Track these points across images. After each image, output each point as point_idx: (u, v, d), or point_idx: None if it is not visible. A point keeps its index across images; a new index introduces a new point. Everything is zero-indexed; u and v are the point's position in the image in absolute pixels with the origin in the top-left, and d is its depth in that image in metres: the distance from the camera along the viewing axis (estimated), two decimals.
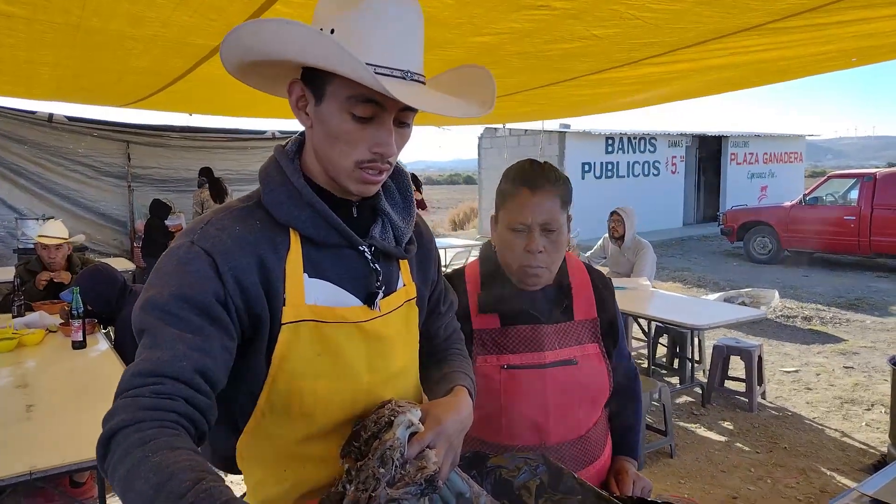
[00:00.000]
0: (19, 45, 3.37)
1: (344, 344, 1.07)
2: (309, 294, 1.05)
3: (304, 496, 1.11)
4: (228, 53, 1.02)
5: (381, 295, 1.12)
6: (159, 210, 8.21)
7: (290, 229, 1.05)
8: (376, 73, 0.93)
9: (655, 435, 4.18)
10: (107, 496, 3.46)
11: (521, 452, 1.16)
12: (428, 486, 0.95)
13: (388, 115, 1.00)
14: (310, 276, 1.06)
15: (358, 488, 0.95)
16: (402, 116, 1.02)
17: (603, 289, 1.64)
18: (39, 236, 4.76)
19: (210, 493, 0.77)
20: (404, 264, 1.22)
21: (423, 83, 1.02)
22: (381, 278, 1.12)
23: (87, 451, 2.20)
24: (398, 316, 1.17)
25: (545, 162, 1.53)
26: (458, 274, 1.62)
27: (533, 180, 1.46)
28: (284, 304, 1.02)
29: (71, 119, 8.93)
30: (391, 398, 1.08)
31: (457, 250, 8.97)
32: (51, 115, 8.73)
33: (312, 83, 1.01)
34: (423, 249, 1.27)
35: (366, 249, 1.11)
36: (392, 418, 1.01)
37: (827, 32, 2.93)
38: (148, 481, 0.77)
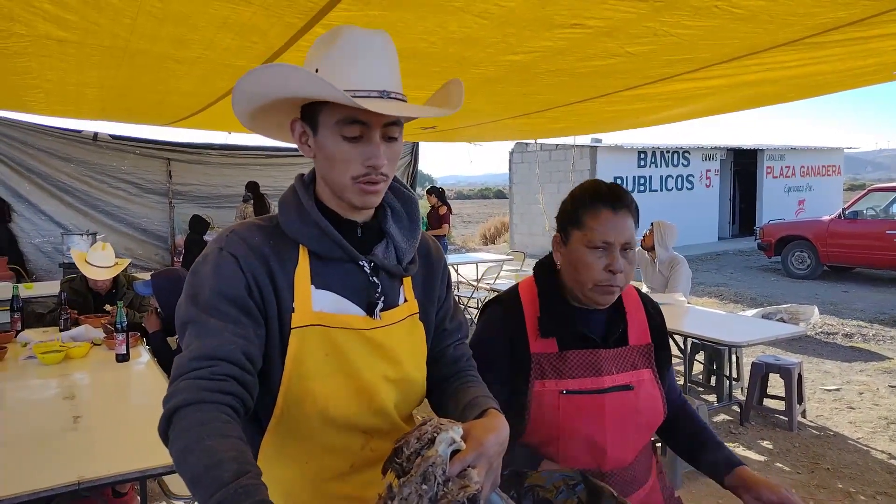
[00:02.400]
0: (69, 69, 3.52)
1: (348, 347, 1.20)
2: (316, 302, 1.19)
3: (325, 481, 1.25)
4: (238, 105, 1.18)
5: (380, 306, 1.24)
6: (198, 226, 8.41)
7: (300, 245, 1.20)
8: (355, 96, 1.08)
9: None
10: None
11: (560, 470, 1.17)
12: None
13: (374, 131, 1.13)
14: (316, 287, 1.20)
15: (401, 502, 0.98)
16: (389, 132, 1.16)
17: (655, 314, 1.64)
18: (87, 263, 4.67)
19: (247, 489, 0.88)
20: (407, 282, 1.32)
21: (403, 100, 1.16)
22: (380, 290, 1.24)
23: (131, 462, 2.25)
24: (401, 329, 1.28)
25: (614, 182, 1.55)
26: (513, 296, 1.61)
27: (613, 200, 1.48)
28: (294, 311, 1.17)
29: (115, 137, 9.23)
30: (433, 416, 1.10)
31: (488, 265, 8.97)
32: (95, 134, 9.04)
33: (309, 119, 1.18)
34: (429, 268, 1.38)
35: (365, 264, 1.24)
36: (435, 435, 1.03)
37: (867, 46, 2.90)
38: (200, 461, 0.92)
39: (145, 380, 3.36)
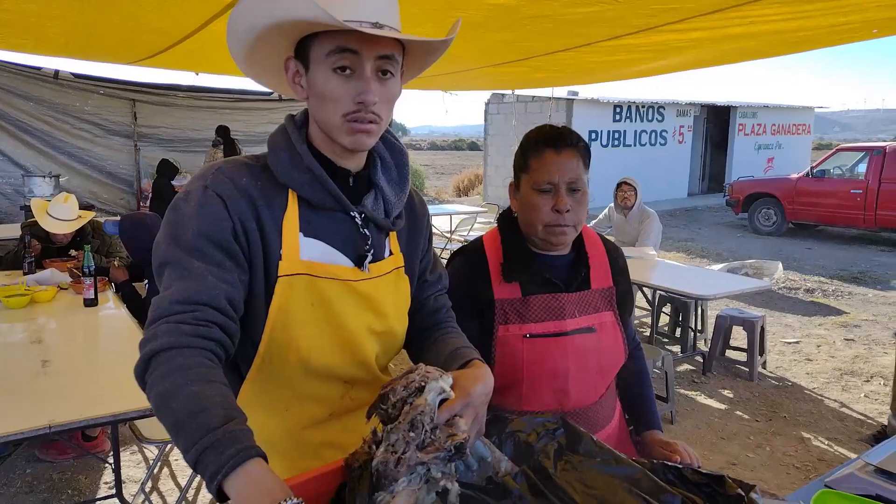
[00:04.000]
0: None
1: (335, 298, 1.17)
2: (304, 251, 1.15)
3: (304, 428, 1.25)
4: (232, 43, 1.14)
5: (369, 258, 1.22)
6: (167, 170, 8.20)
7: (290, 190, 1.16)
8: (347, 21, 1.02)
9: (658, 402, 4.22)
10: (120, 450, 3.54)
11: (540, 416, 1.19)
12: (456, 453, 0.98)
13: (365, 64, 1.08)
14: (305, 235, 1.16)
15: (387, 450, 0.98)
16: (382, 65, 1.10)
17: (618, 258, 1.67)
18: (48, 214, 4.37)
19: (235, 435, 0.87)
20: (393, 235, 1.30)
21: (398, 31, 1.10)
22: (370, 243, 1.22)
23: (102, 406, 2.25)
24: (387, 282, 1.26)
25: (563, 126, 1.54)
26: (477, 246, 1.62)
27: (556, 141, 1.48)
28: (281, 259, 1.13)
29: (77, 76, 8.84)
30: (419, 364, 1.10)
31: (462, 217, 8.97)
32: (56, 72, 8.65)
33: (301, 56, 1.12)
34: (414, 223, 1.36)
35: (356, 215, 1.21)
36: (423, 384, 1.03)
37: (851, 2, 2.88)
38: (184, 406, 0.90)
39: (114, 324, 3.31)
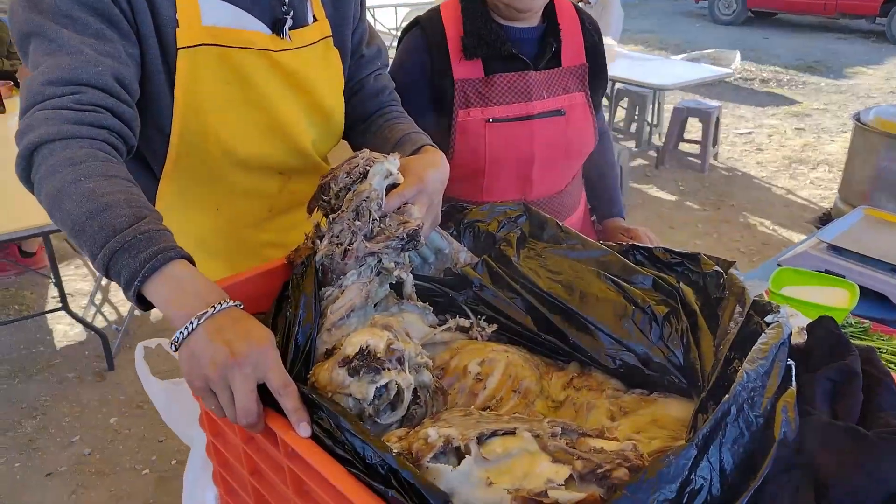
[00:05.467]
0: None
1: (253, 73, 1.00)
2: (206, 15, 0.96)
3: (241, 227, 1.14)
4: None
5: (289, 22, 1.03)
6: None
7: None
8: None
9: None
10: (64, 263, 3.43)
11: (502, 204, 1.09)
12: (409, 242, 0.87)
13: None
14: None
15: (332, 242, 0.87)
16: None
17: (593, 32, 1.48)
18: None
19: (149, 235, 0.75)
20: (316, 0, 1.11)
21: None
22: (288, 3, 1.03)
23: (29, 218, 2.09)
24: (314, 53, 1.09)
25: None
26: (434, 16, 1.40)
27: None
28: (178, 26, 0.93)
29: None
30: (363, 150, 0.96)
31: (408, 9, 8.29)
32: None
33: None
34: None
35: None
36: (367, 168, 0.89)
37: None
38: (80, 206, 0.76)
39: None
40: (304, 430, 0.67)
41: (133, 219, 0.76)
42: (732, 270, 0.85)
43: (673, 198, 4.54)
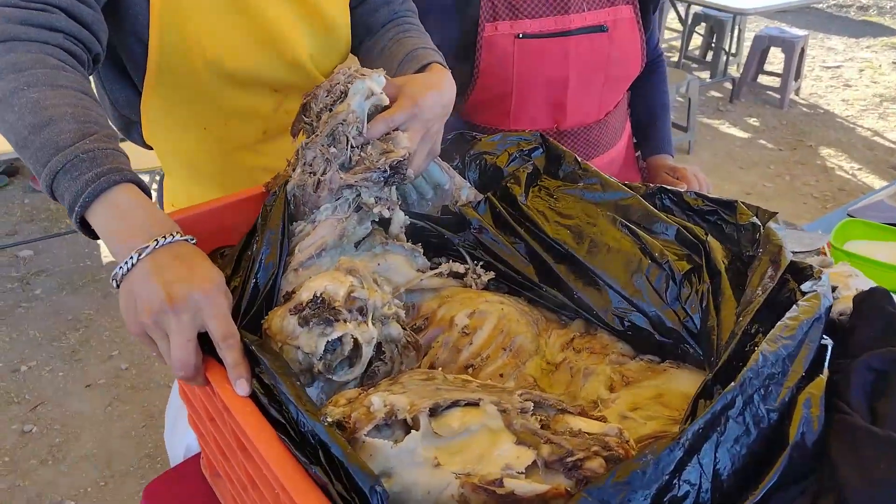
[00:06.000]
0: None
1: None
2: None
3: (233, 150, 1.04)
4: None
5: None
6: None
7: None
8: None
9: (675, 130, 3.97)
10: None
11: (515, 134, 0.95)
12: (393, 174, 0.76)
13: None
14: None
15: (304, 170, 0.77)
16: None
17: None
18: None
19: (94, 155, 0.66)
20: None
21: None
22: None
23: None
24: None
25: None
26: None
27: None
28: None
29: None
30: (350, 64, 0.84)
31: None
32: None
33: None
34: None
35: None
36: (348, 85, 0.78)
37: None
38: (22, 119, 0.68)
39: None
40: (242, 387, 0.59)
41: (78, 136, 0.67)
42: (771, 224, 0.70)
43: (745, 135, 4.21)
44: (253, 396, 0.59)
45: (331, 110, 0.77)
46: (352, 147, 0.75)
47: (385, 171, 0.75)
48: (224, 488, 0.83)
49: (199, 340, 0.63)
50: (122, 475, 1.96)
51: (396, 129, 0.78)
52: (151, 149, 1.05)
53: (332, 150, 0.75)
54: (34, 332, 2.52)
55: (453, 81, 0.90)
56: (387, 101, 0.78)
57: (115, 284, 0.66)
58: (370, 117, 0.78)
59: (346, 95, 0.77)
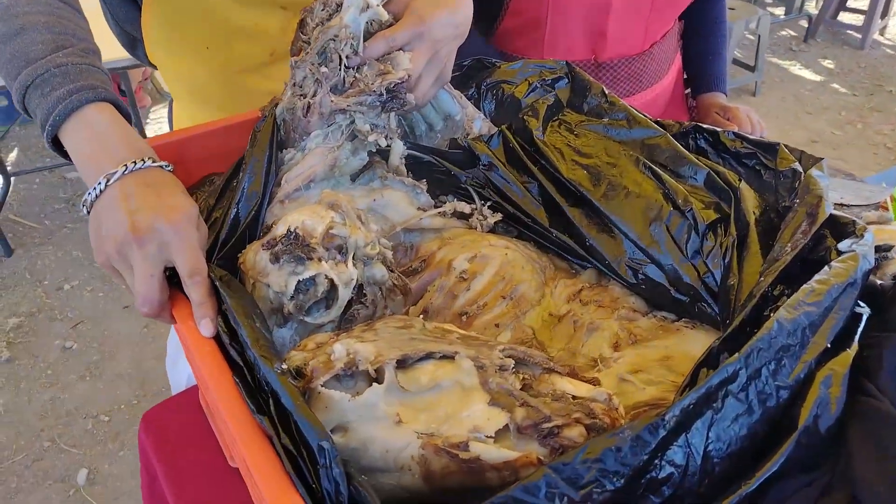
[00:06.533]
0: None
1: None
2: None
3: (239, 72, 0.97)
4: None
5: None
6: None
7: None
8: None
9: (741, 70, 3.71)
10: (152, 108, 3.47)
11: (538, 62, 0.86)
12: (391, 100, 0.69)
13: None
14: None
15: (294, 92, 0.71)
16: None
17: None
18: None
19: (67, 70, 0.62)
20: None
21: None
22: None
23: None
24: None
25: None
26: None
27: None
28: None
29: None
30: None
31: None
32: None
33: None
34: None
35: None
36: None
37: None
38: None
39: None
40: (206, 328, 0.55)
41: (51, 48, 0.63)
42: (814, 171, 0.61)
43: (818, 78, 3.91)
44: (218, 336, 0.56)
45: (324, 25, 0.70)
46: (345, 67, 0.68)
47: (381, 94, 0.68)
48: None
49: (168, 275, 0.59)
50: (154, 395, 2.01)
51: (400, 50, 0.71)
52: (156, 68, 1.01)
53: (323, 69, 0.68)
54: (77, 253, 2.58)
55: (470, 2, 0.81)
56: (386, 17, 0.70)
57: (85, 211, 0.62)
58: (371, 35, 0.70)
59: (340, 8, 0.69)
